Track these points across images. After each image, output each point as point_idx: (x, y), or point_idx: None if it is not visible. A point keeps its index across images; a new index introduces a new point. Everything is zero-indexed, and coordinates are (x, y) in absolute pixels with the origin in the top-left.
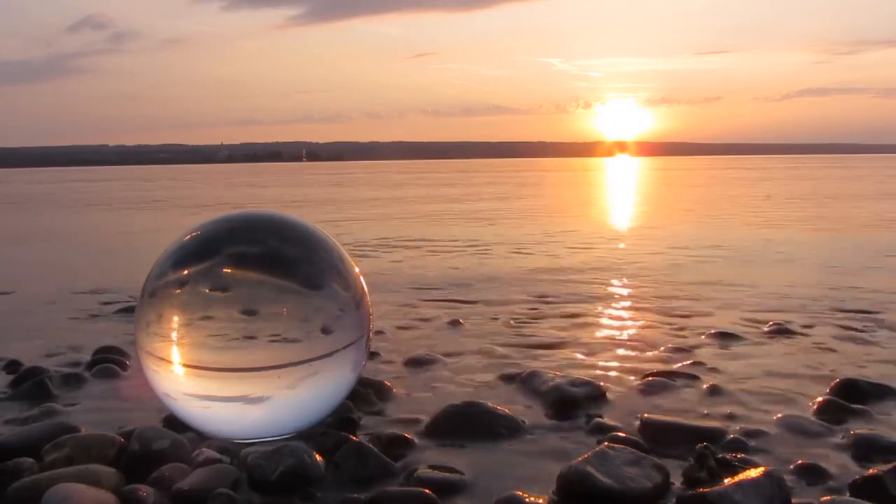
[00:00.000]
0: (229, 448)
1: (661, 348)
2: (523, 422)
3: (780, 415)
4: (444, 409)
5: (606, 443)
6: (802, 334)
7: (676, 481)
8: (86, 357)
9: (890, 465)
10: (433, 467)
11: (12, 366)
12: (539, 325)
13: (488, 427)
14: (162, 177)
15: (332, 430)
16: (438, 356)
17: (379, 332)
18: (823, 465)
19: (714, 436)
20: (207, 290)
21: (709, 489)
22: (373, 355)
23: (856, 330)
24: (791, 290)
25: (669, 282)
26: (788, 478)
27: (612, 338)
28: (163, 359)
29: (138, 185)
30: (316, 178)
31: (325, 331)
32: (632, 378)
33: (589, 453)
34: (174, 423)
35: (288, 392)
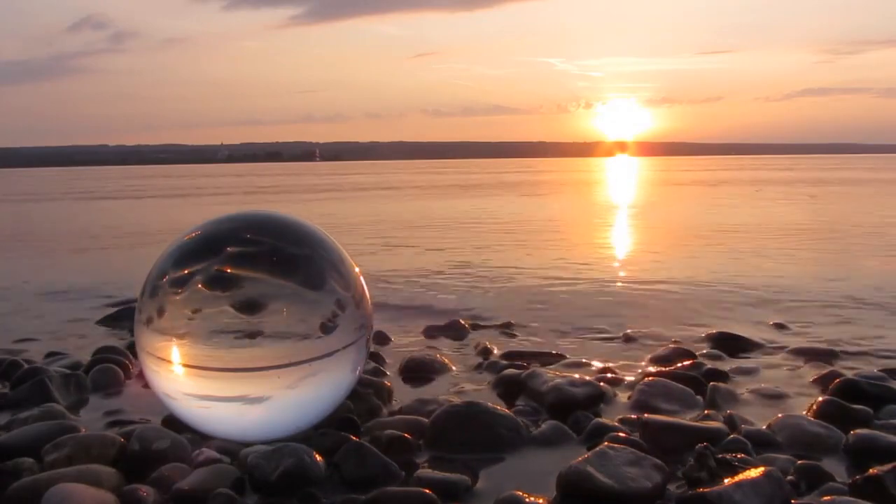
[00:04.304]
0: (229, 448)
1: (662, 348)
2: (523, 422)
3: (780, 415)
4: (444, 409)
5: (606, 443)
6: (802, 332)
7: (676, 481)
8: (85, 357)
9: (890, 465)
10: (433, 468)
11: (12, 366)
12: (539, 325)
13: (488, 427)
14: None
15: (332, 430)
16: (438, 356)
17: (379, 333)
18: (823, 465)
19: (714, 436)
20: (207, 290)
21: (709, 489)
22: (373, 356)
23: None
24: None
25: (669, 281)
26: (788, 478)
27: (612, 337)
28: (163, 359)
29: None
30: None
31: (326, 331)
32: (632, 378)
33: (589, 453)
34: (174, 423)
35: (288, 392)
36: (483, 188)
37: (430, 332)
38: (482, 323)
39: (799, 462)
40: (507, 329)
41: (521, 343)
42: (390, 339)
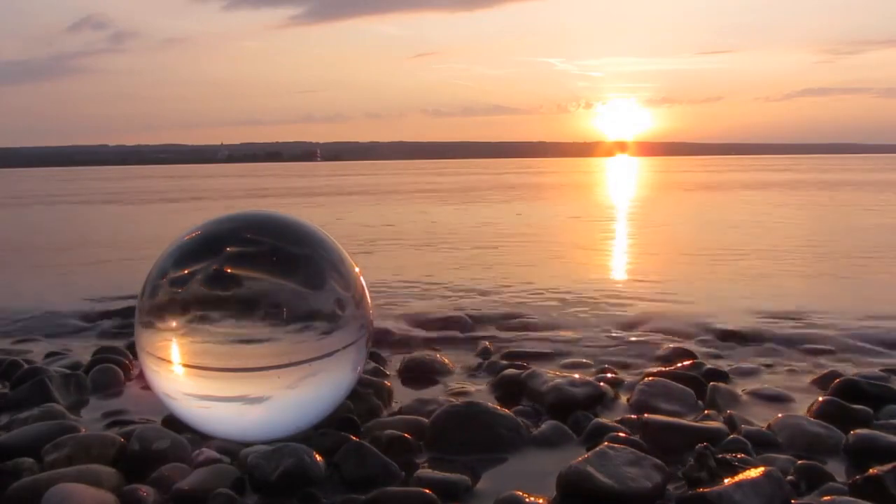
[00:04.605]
0: (229, 448)
1: (662, 348)
2: (523, 422)
3: (780, 415)
4: (444, 409)
5: (606, 443)
6: (801, 332)
7: (676, 481)
8: (85, 357)
9: (890, 465)
10: (433, 468)
11: (12, 366)
12: (539, 325)
13: (488, 428)
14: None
15: (332, 430)
16: (438, 357)
17: (380, 332)
18: (823, 465)
19: (714, 436)
20: (207, 290)
21: (709, 489)
22: (373, 356)
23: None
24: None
25: (670, 281)
26: (788, 478)
27: (612, 338)
28: (163, 359)
29: None
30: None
31: (325, 331)
32: (632, 378)
33: (589, 453)
34: (174, 423)
35: (288, 392)
36: (482, 190)
37: (431, 333)
38: (482, 323)
39: (799, 462)
40: (507, 329)
41: (521, 343)
42: (391, 341)
